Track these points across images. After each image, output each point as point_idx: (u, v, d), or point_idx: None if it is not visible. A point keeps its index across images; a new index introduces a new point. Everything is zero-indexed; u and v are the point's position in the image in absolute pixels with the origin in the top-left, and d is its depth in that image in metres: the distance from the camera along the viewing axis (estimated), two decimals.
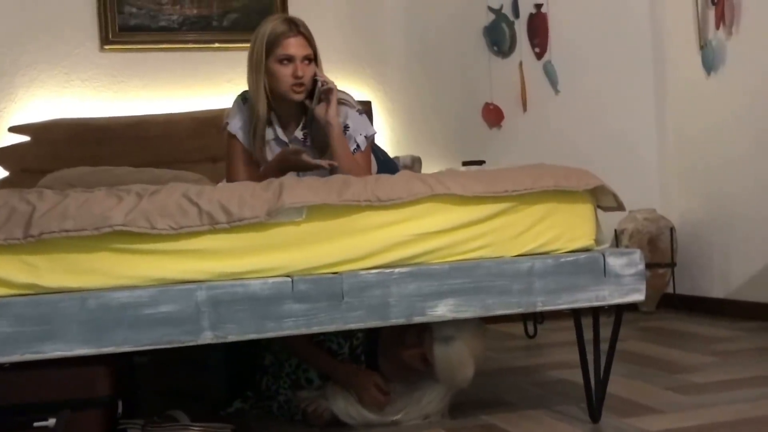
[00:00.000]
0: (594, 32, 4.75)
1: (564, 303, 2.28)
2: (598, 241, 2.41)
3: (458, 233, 2.23)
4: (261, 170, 2.69)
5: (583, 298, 2.29)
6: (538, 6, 4.68)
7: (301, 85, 2.67)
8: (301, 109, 2.76)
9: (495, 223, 2.27)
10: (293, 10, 4.23)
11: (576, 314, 2.49)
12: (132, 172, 3.53)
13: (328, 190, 2.13)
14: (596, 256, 2.30)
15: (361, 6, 4.51)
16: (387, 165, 2.97)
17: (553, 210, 2.32)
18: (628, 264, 2.31)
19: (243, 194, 2.09)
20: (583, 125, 4.72)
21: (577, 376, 2.60)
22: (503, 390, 2.89)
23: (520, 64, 4.66)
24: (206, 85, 4.25)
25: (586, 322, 2.47)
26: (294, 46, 2.66)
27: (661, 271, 4.50)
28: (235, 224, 2.05)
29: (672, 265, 4.50)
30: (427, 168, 4.04)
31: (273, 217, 2.07)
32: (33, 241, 1.93)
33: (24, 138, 3.89)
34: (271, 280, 2.06)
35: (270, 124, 2.75)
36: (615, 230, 4.51)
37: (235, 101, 2.81)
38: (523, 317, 3.98)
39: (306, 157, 2.59)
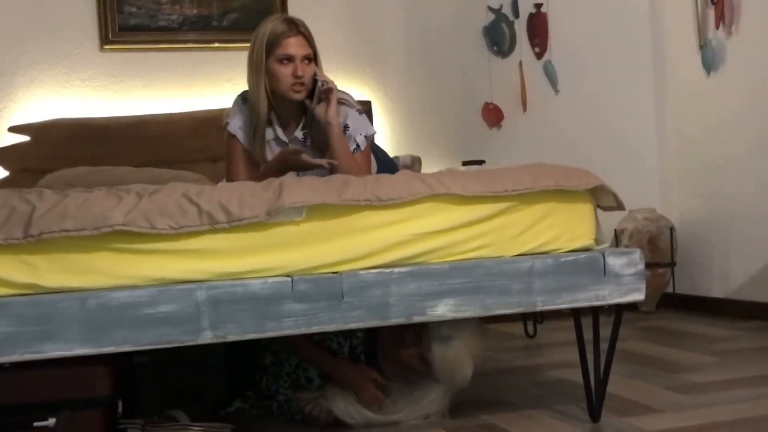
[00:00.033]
0: (594, 32, 4.75)
1: (564, 303, 2.28)
2: (598, 241, 2.41)
3: (458, 233, 2.23)
4: (261, 170, 2.69)
5: (582, 297, 2.29)
6: (538, 6, 4.68)
7: (302, 84, 2.67)
8: (301, 109, 2.76)
9: (495, 222, 2.27)
10: (293, 10, 4.23)
11: (576, 314, 2.49)
12: (132, 171, 3.53)
13: (328, 190, 2.13)
14: (596, 255, 2.30)
15: (361, 6, 4.51)
16: (387, 165, 2.97)
17: (552, 210, 2.32)
18: (627, 264, 2.31)
19: (243, 194, 2.09)
20: (582, 125, 4.73)
21: (576, 376, 2.60)
22: (503, 390, 2.89)
23: (520, 63, 4.66)
24: (206, 84, 4.25)
25: (586, 322, 2.47)
26: (294, 45, 2.66)
27: (660, 270, 4.50)
28: (235, 224, 2.04)
29: (672, 264, 4.50)
30: (427, 168, 4.04)
31: (273, 216, 2.07)
32: (33, 240, 1.93)
33: (24, 138, 3.89)
34: (270, 280, 2.06)
35: (270, 124, 2.75)
36: (615, 230, 4.51)
37: (235, 101, 2.81)
38: (523, 317, 3.98)
39: (305, 157, 2.59)
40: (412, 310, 2.15)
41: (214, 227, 2.04)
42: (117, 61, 4.17)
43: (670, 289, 4.56)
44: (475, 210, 2.24)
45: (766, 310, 4.01)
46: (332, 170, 2.59)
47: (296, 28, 2.69)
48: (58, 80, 4.10)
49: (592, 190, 2.39)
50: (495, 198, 2.25)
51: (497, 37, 4.63)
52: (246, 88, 2.77)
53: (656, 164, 4.83)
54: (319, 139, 2.72)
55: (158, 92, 4.21)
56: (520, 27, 4.68)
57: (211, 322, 2.01)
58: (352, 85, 4.17)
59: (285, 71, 2.66)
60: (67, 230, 1.94)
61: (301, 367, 2.67)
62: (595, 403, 2.42)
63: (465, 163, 4.09)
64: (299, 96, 2.69)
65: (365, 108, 3.48)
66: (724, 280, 4.35)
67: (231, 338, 2.04)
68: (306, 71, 2.67)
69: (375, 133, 2.84)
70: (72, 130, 3.88)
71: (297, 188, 2.11)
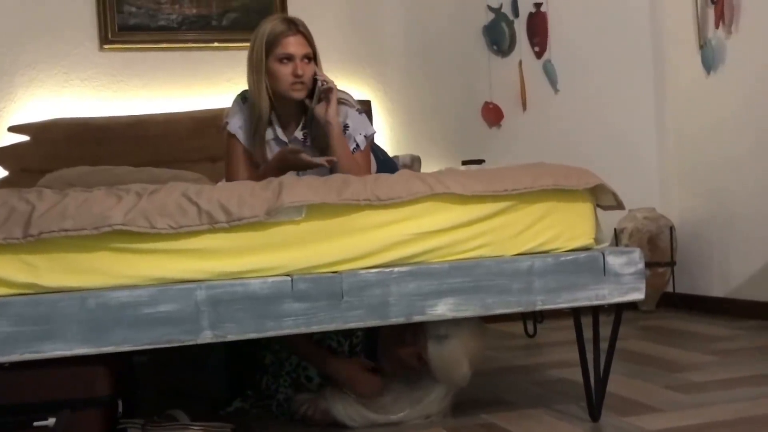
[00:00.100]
0: (593, 31, 4.74)
1: (564, 302, 2.28)
2: (597, 240, 2.41)
3: (458, 232, 2.23)
4: (260, 170, 2.69)
5: (582, 297, 2.29)
6: (538, 5, 4.68)
7: (302, 83, 2.67)
8: (301, 109, 2.76)
9: (495, 222, 2.27)
10: (293, 10, 4.23)
11: (576, 313, 2.49)
12: (131, 171, 3.53)
13: (328, 190, 2.13)
14: (596, 255, 2.30)
15: (361, 6, 4.50)
16: (386, 164, 2.97)
17: (552, 209, 2.32)
18: (627, 263, 2.31)
19: (242, 193, 2.09)
20: (582, 124, 4.73)
21: (576, 375, 2.60)
22: (503, 389, 2.89)
23: (520, 63, 4.66)
24: (206, 84, 4.25)
25: (586, 321, 2.47)
26: (293, 44, 2.66)
27: (660, 270, 4.50)
28: (235, 223, 2.04)
29: (672, 264, 4.50)
30: (427, 167, 4.04)
31: (272, 216, 2.07)
32: (32, 240, 1.93)
33: (23, 138, 3.89)
34: (270, 280, 2.06)
35: (270, 124, 2.75)
36: (615, 229, 4.51)
37: (235, 100, 2.81)
38: (523, 316, 3.98)
39: (304, 156, 2.59)
40: (412, 309, 2.15)
41: (213, 227, 2.04)
42: (116, 61, 4.17)
43: (669, 289, 4.56)
44: (475, 209, 2.24)
45: (765, 310, 4.01)
46: (332, 168, 2.59)
47: (296, 27, 2.69)
48: (57, 80, 4.10)
49: (591, 189, 2.39)
50: (495, 197, 2.25)
51: (497, 37, 4.63)
52: (245, 87, 2.77)
53: (656, 163, 4.83)
54: (319, 139, 2.71)
55: (158, 92, 4.21)
56: (520, 26, 4.68)
57: (210, 321, 2.01)
58: (352, 85, 4.17)
59: (285, 70, 2.66)
60: (66, 230, 1.94)
61: (301, 366, 2.67)
62: (595, 402, 2.42)
63: (465, 163, 4.08)
64: (299, 95, 2.69)
65: (365, 108, 3.48)
66: (723, 279, 4.35)
67: (231, 338, 2.04)
68: (306, 70, 2.67)
69: (375, 132, 2.84)
70: (71, 130, 3.88)
71: (296, 188, 2.11)
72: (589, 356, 2.44)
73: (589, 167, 2.44)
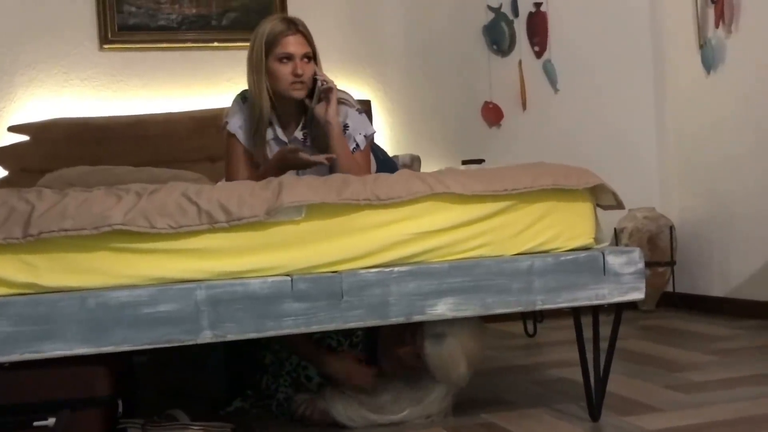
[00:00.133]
0: (593, 31, 4.74)
1: (563, 301, 2.28)
2: (597, 240, 2.41)
3: (458, 232, 2.23)
4: (260, 169, 2.69)
5: (582, 296, 2.29)
6: (538, 5, 4.68)
7: (301, 83, 2.67)
8: (300, 109, 2.76)
9: (494, 221, 2.27)
10: (293, 10, 4.23)
11: (575, 313, 2.49)
12: (131, 171, 3.53)
13: (328, 189, 2.13)
14: (596, 254, 2.30)
15: (361, 6, 4.50)
16: (386, 164, 2.97)
17: (552, 208, 2.32)
18: (627, 262, 2.31)
19: (242, 193, 2.09)
20: (582, 124, 4.72)
21: (576, 375, 2.60)
22: (503, 389, 2.89)
23: (520, 62, 4.66)
24: (205, 84, 4.24)
25: (586, 321, 2.47)
26: (293, 44, 2.66)
27: (660, 269, 4.50)
28: (235, 223, 2.04)
29: (671, 263, 4.50)
30: (427, 167, 4.04)
31: (272, 216, 2.07)
32: (32, 240, 1.93)
33: (23, 137, 3.89)
34: (270, 279, 2.06)
35: (270, 124, 2.75)
36: (615, 229, 4.51)
37: (235, 100, 2.81)
38: (523, 316, 3.98)
39: (303, 155, 2.59)
40: (412, 309, 2.15)
41: (213, 227, 2.04)
42: (116, 61, 4.17)
43: (669, 288, 4.56)
44: (475, 209, 2.24)
45: (765, 309, 4.01)
46: (332, 167, 2.59)
47: (295, 27, 2.69)
48: (57, 80, 4.10)
49: (591, 189, 2.39)
50: (495, 197, 2.25)
51: (497, 37, 4.63)
52: (245, 87, 2.77)
53: (656, 163, 4.83)
54: (319, 139, 2.71)
55: (157, 92, 4.21)
56: (520, 26, 4.67)
57: (210, 321, 2.01)
58: (352, 85, 4.17)
59: (285, 70, 2.66)
60: (66, 230, 1.94)
61: (300, 366, 2.67)
62: (594, 402, 2.42)
63: (464, 162, 4.08)
64: (299, 94, 2.69)
65: (365, 107, 3.48)
66: (723, 278, 4.35)
67: (230, 337, 2.04)
68: (306, 70, 2.67)
69: (374, 132, 2.84)
70: (71, 130, 3.88)
71: (296, 187, 2.11)
72: (589, 356, 2.44)
73: (589, 167, 2.44)
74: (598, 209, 2.48)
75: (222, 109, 2.93)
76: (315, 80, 2.69)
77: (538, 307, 2.30)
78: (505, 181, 2.26)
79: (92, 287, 1.98)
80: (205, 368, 2.82)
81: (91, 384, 2.14)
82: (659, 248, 4.47)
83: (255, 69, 2.69)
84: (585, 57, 4.73)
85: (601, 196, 2.44)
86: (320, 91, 2.67)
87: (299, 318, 2.07)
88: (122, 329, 1.96)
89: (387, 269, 2.14)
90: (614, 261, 2.30)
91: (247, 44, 2.74)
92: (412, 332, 2.47)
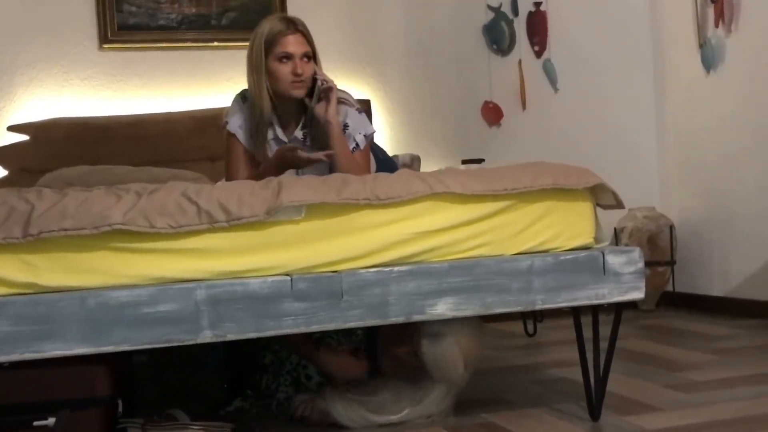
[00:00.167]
0: (593, 30, 4.74)
1: (563, 301, 2.28)
2: (597, 239, 2.41)
3: (457, 232, 2.23)
4: (260, 169, 2.69)
5: (582, 296, 2.29)
6: (538, 4, 4.67)
7: (301, 82, 2.67)
8: (300, 109, 2.76)
9: (494, 221, 2.27)
10: (292, 10, 4.23)
11: (575, 312, 2.49)
12: (131, 171, 3.53)
13: (327, 189, 2.13)
14: (596, 254, 2.30)
15: (361, 6, 4.50)
16: (386, 164, 2.97)
17: (552, 208, 2.32)
18: (627, 262, 2.31)
19: (242, 193, 2.09)
20: (582, 123, 4.72)
21: (576, 375, 2.60)
22: (503, 388, 2.89)
23: (520, 62, 4.65)
24: (205, 83, 4.24)
25: (586, 321, 2.47)
26: (293, 43, 2.66)
27: (660, 269, 4.50)
28: (234, 223, 2.04)
29: (671, 263, 4.50)
30: (427, 166, 4.04)
31: (272, 215, 2.07)
32: (32, 240, 1.93)
33: (23, 137, 3.89)
34: (270, 279, 2.06)
35: (270, 123, 2.75)
36: (614, 228, 4.51)
37: (235, 100, 2.81)
38: (523, 315, 3.97)
39: (302, 153, 2.59)
40: (412, 308, 2.15)
41: (213, 226, 2.04)
42: (116, 60, 4.17)
43: (669, 288, 4.56)
44: (475, 209, 2.24)
45: (765, 309, 4.01)
46: (332, 167, 2.59)
47: (294, 26, 2.69)
48: (57, 79, 4.10)
49: (591, 188, 2.39)
50: (494, 197, 2.25)
51: (497, 36, 4.63)
52: (245, 86, 2.77)
53: (656, 162, 4.83)
54: (319, 139, 2.71)
55: (157, 91, 4.20)
56: (520, 25, 4.67)
57: (210, 321, 2.01)
58: (352, 85, 4.17)
59: (284, 69, 2.66)
60: (66, 229, 1.94)
61: (300, 365, 2.67)
62: (594, 401, 2.42)
63: (464, 162, 4.08)
64: (300, 92, 2.69)
65: (365, 107, 3.48)
66: (723, 278, 4.35)
67: (230, 337, 2.04)
68: (305, 69, 2.67)
69: (374, 132, 2.84)
70: (71, 130, 3.88)
71: (296, 187, 2.10)
72: (589, 355, 2.44)
73: (589, 166, 2.44)
74: (598, 209, 2.48)
75: (222, 109, 2.93)
76: (315, 80, 2.69)
77: (538, 307, 2.30)
78: (505, 180, 2.26)
79: (92, 287, 1.98)
80: (205, 368, 2.82)
81: (91, 384, 2.14)
82: (659, 248, 4.47)
83: (255, 68, 2.69)
84: (585, 57, 4.73)
85: (601, 196, 2.44)
86: (320, 90, 2.67)
87: (299, 318, 2.07)
88: (122, 329, 1.96)
89: (387, 269, 2.14)
90: (614, 260, 2.30)
91: (247, 44, 2.74)
92: (411, 332, 2.47)
